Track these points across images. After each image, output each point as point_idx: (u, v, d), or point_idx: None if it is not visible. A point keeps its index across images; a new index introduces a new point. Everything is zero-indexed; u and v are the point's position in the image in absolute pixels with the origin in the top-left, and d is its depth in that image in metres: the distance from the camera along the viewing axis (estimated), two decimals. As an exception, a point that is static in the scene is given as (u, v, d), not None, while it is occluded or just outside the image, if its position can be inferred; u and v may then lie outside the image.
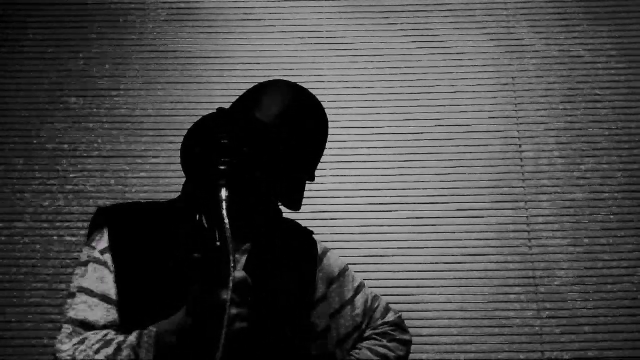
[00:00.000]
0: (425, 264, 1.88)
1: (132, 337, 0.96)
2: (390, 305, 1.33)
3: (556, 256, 1.88)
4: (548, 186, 1.94)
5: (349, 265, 1.31)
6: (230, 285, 0.87)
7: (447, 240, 1.90)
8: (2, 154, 1.97)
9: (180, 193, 1.18)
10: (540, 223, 1.91)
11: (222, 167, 0.99)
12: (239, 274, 0.92)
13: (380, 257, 1.88)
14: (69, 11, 2.11)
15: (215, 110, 1.10)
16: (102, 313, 1.01)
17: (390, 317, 1.30)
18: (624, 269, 1.86)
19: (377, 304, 1.30)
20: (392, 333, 1.28)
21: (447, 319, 1.83)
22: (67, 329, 1.00)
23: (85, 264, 1.05)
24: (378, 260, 1.88)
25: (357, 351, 1.23)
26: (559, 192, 1.94)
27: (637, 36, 2.06)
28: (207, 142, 1.06)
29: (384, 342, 1.25)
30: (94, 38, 2.08)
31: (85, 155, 1.97)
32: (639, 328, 1.82)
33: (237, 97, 1.15)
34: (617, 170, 1.95)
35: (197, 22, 2.10)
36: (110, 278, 1.03)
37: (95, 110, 2.02)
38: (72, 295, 1.03)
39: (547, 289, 1.85)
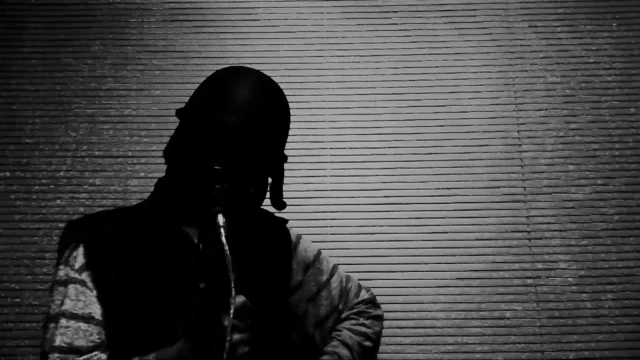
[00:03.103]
0: (425, 264, 1.88)
1: None
2: (361, 283, 1.38)
3: (556, 256, 1.88)
4: (548, 186, 1.94)
5: (322, 250, 1.34)
6: (232, 310, 0.87)
7: (447, 240, 1.90)
8: (2, 154, 1.97)
9: (150, 194, 1.15)
10: (540, 223, 1.91)
11: (215, 193, 0.99)
12: (239, 298, 0.92)
13: (380, 257, 1.88)
14: (69, 11, 2.11)
15: (175, 116, 1.08)
16: (88, 336, 0.98)
17: (364, 295, 1.34)
18: (624, 269, 1.86)
19: (350, 284, 1.33)
20: (368, 310, 1.32)
21: (447, 319, 1.83)
22: (55, 358, 0.97)
23: (64, 284, 1.01)
24: (378, 260, 1.88)
25: (337, 332, 1.25)
26: (559, 192, 1.94)
27: (637, 36, 2.06)
28: (186, 159, 1.04)
29: (361, 320, 1.29)
30: (94, 38, 2.08)
31: (85, 155, 1.97)
32: (638, 328, 1.82)
33: (192, 96, 1.12)
34: (617, 170, 1.95)
35: (197, 22, 2.10)
36: (92, 297, 1.00)
37: (95, 110, 2.02)
38: (54, 320, 1.00)
39: (547, 289, 1.86)
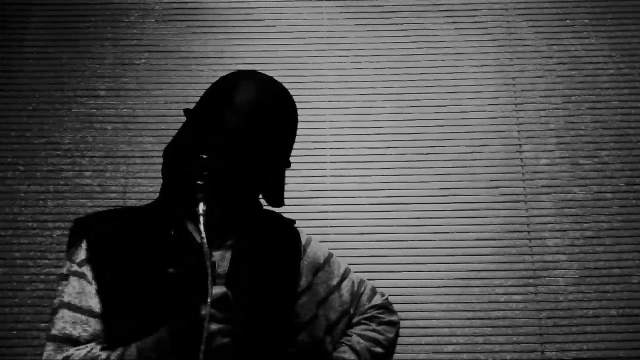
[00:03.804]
0: (425, 264, 1.88)
1: (114, 356, 0.96)
2: (377, 288, 1.35)
3: (556, 256, 1.88)
4: (548, 186, 1.94)
5: (333, 252, 1.33)
6: (209, 300, 0.87)
7: (447, 240, 1.90)
8: (2, 154, 1.97)
9: (158, 195, 1.17)
10: (540, 223, 1.91)
11: (199, 182, 0.99)
12: (218, 289, 0.92)
13: (380, 257, 1.88)
14: (69, 11, 2.11)
15: (184, 115, 1.10)
16: (84, 327, 1.00)
17: (377, 299, 1.31)
18: (624, 269, 1.86)
19: (363, 288, 1.30)
20: (380, 316, 1.29)
21: (447, 319, 1.83)
22: (51, 346, 1.00)
23: (66, 277, 1.04)
24: (378, 260, 1.88)
25: (347, 338, 1.23)
26: (559, 192, 1.94)
27: (637, 36, 2.07)
28: (186, 158, 1.05)
29: (373, 325, 1.26)
30: (94, 38, 2.08)
31: (85, 155, 1.97)
32: (638, 328, 1.82)
33: (201, 98, 1.14)
34: (617, 170, 1.95)
35: (197, 22, 2.10)
36: (91, 290, 1.02)
37: (95, 110, 2.02)
38: (55, 312, 1.03)
39: (547, 289, 1.85)
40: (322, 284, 1.23)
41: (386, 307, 1.32)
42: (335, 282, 1.25)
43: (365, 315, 1.28)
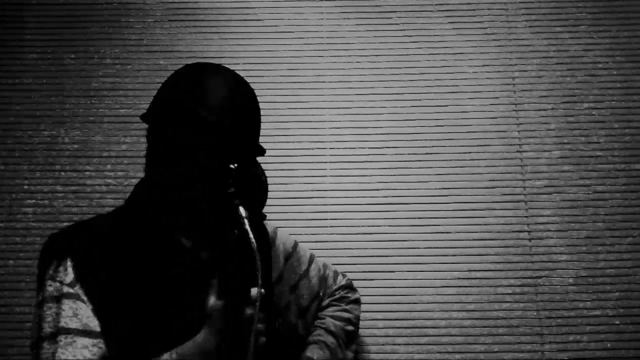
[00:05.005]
0: (426, 264, 1.88)
1: None
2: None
3: (556, 256, 1.88)
4: (548, 186, 1.94)
5: (314, 245, 1.39)
6: (258, 302, 0.88)
7: (447, 240, 1.90)
8: (1, 154, 1.97)
9: (129, 198, 1.13)
10: (540, 223, 1.91)
11: (231, 189, 0.99)
12: (261, 290, 0.92)
13: (380, 257, 1.88)
14: (69, 11, 2.11)
15: (144, 121, 1.09)
16: (92, 350, 0.96)
17: (341, 280, 1.39)
18: (624, 269, 1.86)
19: (328, 271, 1.37)
20: (347, 295, 1.37)
21: (447, 319, 1.83)
22: None
23: (56, 300, 0.98)
24: (378, 260, 1.88)
25: (321, 321, 1.29)
26: (559, 192, 1.94)
27: (637, 36, 2.06)
28: (186, 168, 1.03)
29: (343, 305, 1.34)
30: (94, 38, 2.08)
31: (85, 155, 1.97)
32: (638, 328, 1.82)
33: (164, 97, 1.09)
34: (617, 170, 1.95)
35: (197, 22, 2.10)
36: (88, 310, 0.97)
37: (95, 110, 2.02)
38: (52, 338, 0.95)
39: (547, 289, 1.85)
40: (292, 271, 1.27)
41: (350, 286, 1.40)
42: (304, 268, 1.30)
43: (335, 297, 1.34)
